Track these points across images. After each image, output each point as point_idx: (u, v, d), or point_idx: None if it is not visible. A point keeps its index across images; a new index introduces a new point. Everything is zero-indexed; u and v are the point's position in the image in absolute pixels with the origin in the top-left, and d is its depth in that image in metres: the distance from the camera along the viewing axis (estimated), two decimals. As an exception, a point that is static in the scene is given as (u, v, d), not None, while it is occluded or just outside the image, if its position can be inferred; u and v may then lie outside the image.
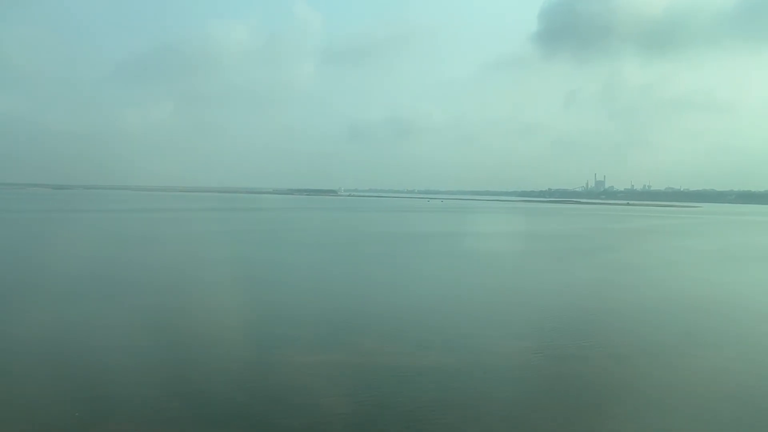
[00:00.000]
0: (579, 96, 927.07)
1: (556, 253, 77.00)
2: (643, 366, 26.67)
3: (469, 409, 20.92)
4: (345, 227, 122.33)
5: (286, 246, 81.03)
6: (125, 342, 28.60)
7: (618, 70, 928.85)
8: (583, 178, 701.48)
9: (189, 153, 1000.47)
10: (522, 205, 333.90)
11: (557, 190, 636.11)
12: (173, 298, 40.34)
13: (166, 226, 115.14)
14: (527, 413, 20.83)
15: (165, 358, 26.37)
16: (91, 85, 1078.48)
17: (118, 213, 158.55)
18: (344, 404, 21.04)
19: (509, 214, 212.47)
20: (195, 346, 28.54)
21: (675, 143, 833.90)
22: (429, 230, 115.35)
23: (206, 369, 24.59)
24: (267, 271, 54.92)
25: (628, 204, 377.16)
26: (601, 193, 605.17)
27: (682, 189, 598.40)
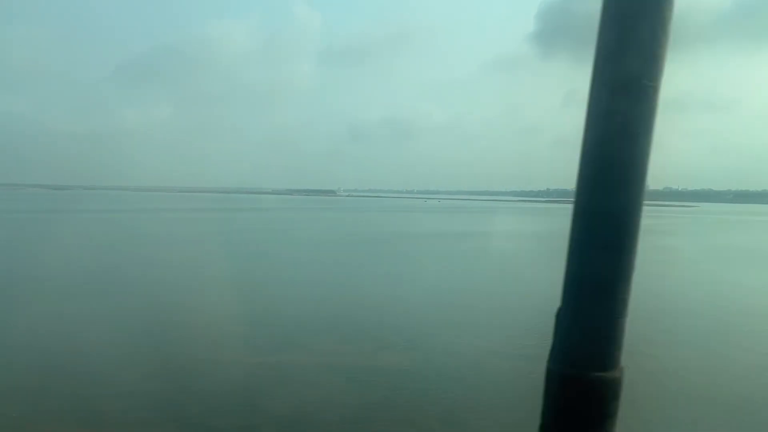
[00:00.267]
0: (578, 95, 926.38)
1: (535, 255, 76.77)
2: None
3: (409, 410, 20.67)
4: (330, 228, 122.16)
5: (263, 247, 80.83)
6: (76, 341, 28.39)
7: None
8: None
9: (189, 153, 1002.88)
10: (518, 205, 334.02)
11: (556, 189, 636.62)
12: (139, 298, 40.11)
13: (153, 226, 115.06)
14: (466, 414, 20.56)
15: (107, 357, 26.10)
16: (91, 86, 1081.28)
17: (109, 213, 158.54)
18: (281, 405, 20.79)
19: (503, 214, 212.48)
20: (144, 345, 28.26)
21: (673, 143, 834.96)
22: (416, 231, 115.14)
23: (145, 369, 24.32)
24: (238, 272, 54.65)
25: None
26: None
27: (680, 189, 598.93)
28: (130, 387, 22.40)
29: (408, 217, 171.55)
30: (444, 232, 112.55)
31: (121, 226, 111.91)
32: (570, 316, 3.90)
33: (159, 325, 32.70)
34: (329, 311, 37.41)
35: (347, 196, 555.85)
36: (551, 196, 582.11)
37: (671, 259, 72.77)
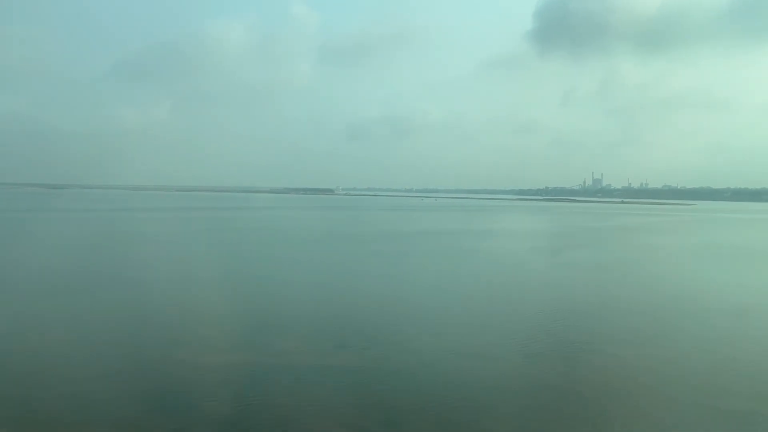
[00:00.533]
0: (576, 94, 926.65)
1: (522, 252, 76.75)
2: (553, 364, 26.39)
3: (347, 411, 20.63)
4: (315, 227, 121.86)
5: (243, 245, 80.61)
6: (31, 339, 28.34)
7: (614, 68, 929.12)
8: (580, 177, 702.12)
9: (186, 152, 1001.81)
10: (515, 204, 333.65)
11: (554, 188, 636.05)
12: (109, 297, 40.01)
13: (142, 225, 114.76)
14: (407, 414, 20.51)
15: (58, 357, 26.08)
16: (87, 84, 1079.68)
17: (102, 213, 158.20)
18: (228, 406, 20.75)
19: (498, 212, 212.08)
20: (100, 344, 28.22)
21: (672, 141, 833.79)
22: (405, 229, 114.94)
23: (94, 371, 24.27)
24: (213, 271, 54.51)
25: (622, 202, 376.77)
26: (597, 191, 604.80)
27: (678, 187, 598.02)
28: (74, 388, 22.37)
29: (398, 216, 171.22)
30: (427, 230, 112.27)
31: (111, 226, 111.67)
32: None
33: (121, 323, 32.51)
34: (296, 310, 37.33)
35: (345, 194, 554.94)
36: (549, 194, 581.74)
37: (653, 258, 72.74)
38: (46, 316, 34.17)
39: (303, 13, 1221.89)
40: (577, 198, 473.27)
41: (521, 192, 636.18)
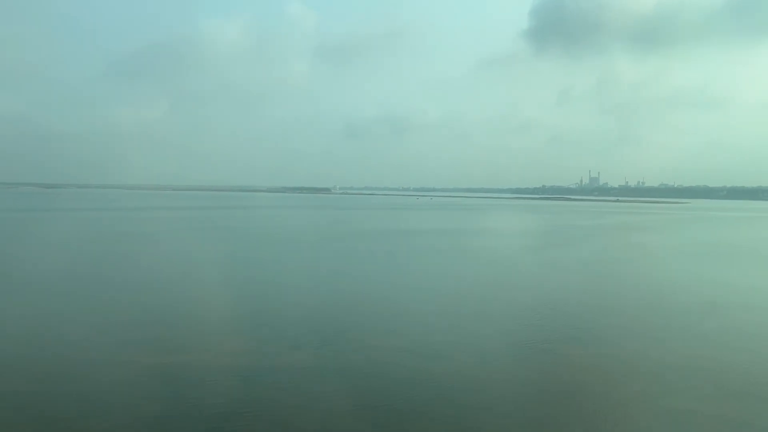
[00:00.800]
0: (572, 93, 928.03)
1: (501, 251, 76.58)
2: (502, 365, 26.17)
3: (285, 412, 20.36)
4: (300, 225, 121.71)
5: (216, 244, 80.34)
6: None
7: (610, 66, 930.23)
8: (578, 175, 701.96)
9: (183, 151, 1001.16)
10: (510, 202, 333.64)
11: (551, 187, 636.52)
12: (74, 297, 39.74)
13: (132, 225, 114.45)
14: (344, 415, 20.24)
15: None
16: (83, 84, 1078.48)
17: (94, 212, 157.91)
18: (161, 407, 20.46)
19: (490, 211, 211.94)
20: (48, 343, 27.92)
21: (669, 140, 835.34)
22: (387, 227, 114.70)
23: (34, 371, 23.98)
24: (177, 270, 54.21)
25: (617, 200, 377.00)
26: (594, 190, 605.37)
27: (675, 185, 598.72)
28: (5, 387, 22.13)
29: (386, 214, 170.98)
30: (412, 229, 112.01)
31: (102, 225, 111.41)
32: None
33: (78, 322, 32.37)
34: (260, 309, 36.98)
35: (341, 193, 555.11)
36: (546, 193, 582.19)
37: (631, 256, 72.58)
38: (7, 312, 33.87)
39: (299, 12, 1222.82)
40: (573, 197, 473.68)
41: (518, 191, 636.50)
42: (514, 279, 52.50)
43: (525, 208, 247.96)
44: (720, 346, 29.82)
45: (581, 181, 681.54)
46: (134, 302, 38.24)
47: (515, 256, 70.69)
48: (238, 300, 40.37)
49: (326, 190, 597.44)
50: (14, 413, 19.98)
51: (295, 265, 58.88)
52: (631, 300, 42.63)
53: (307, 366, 25.32)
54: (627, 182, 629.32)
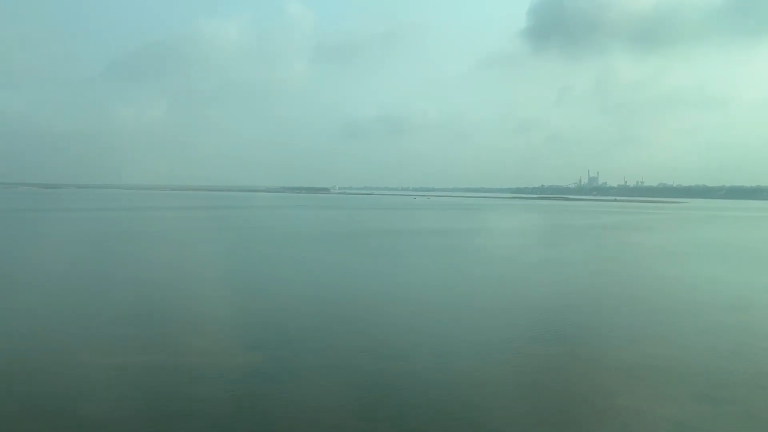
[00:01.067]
0: (571, 92, 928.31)
1: (486, 251, 76.24)
2: (463, 366, 25.76)
3: (221, 413, 19.99)
4: (289, 225, 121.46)
5: (197, 246, 79.99)
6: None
7: (609, 66, 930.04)
8: (577, 175, 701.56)
9: (182, 151, 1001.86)
10: (507, 202, 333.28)
11: (550, 186, 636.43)
12: (46, 297, 39.39)
13: (128, 224, 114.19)
14: (275, 416, 19.88)
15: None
16: (83, 83, 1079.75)
17: (86, 212, 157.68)
18: (92, 409, 20.07)
19: (485, 210, 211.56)
20: (12, 342, 27.58)
21: (668, 139, 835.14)
22: (373, 227, 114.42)
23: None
24: (145, 270, 53.86)
25: (615, 200, 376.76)
26: (592, 190, 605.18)
27: (674, 185, 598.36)
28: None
29: (381, 214, 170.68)
30: (398, 229, 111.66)
31: (95, 225, 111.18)
32: None
33: (38, 320, 32.03)
34: (229, 309, 36.62)
35: (340, 193, 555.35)
36: (545, 192, 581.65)
37: (623, 256, 72.16)
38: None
39: (298, 12, 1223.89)
40: (571, 196, 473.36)
41: (517, 190, 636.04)
42: (497, 280, 52.12)
43: (521, 207, 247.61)
44: (693, 348, 29.34)
45: (580, 180, 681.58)
46: (104, 301, 37.95)
47: (499, 256, 70.31)
48: (208, 298, 39.91)
49: (325, 190, 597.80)
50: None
51: (267, 265, 58.62)
52: (610, 300, 42.22)
53: (255, 367, 24.93)
54: (626, 182, 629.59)
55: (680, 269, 60.90)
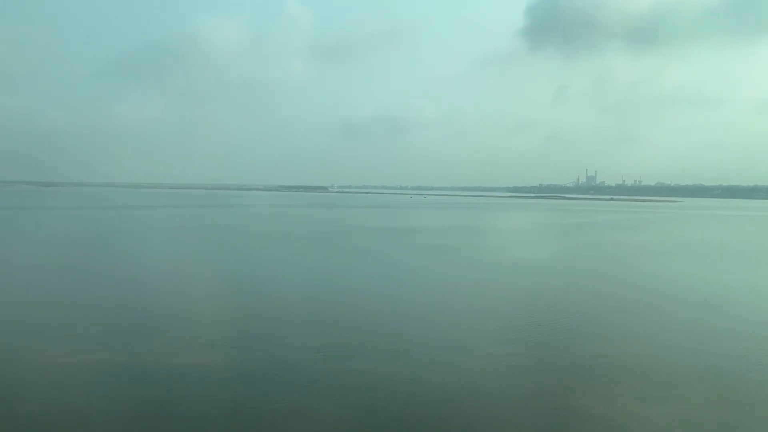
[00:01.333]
0: (569, 91, 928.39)
1: (465, 250, 76.25)
2: (413, 365, 25.85)
3: (163, 413, 20.07)
4: (280, 223, 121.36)
5: (171, 243, 80.00)
6: None
7: (606, 65, 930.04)
8: (575, 174, 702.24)
9: (180, 150, 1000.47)
10: (504, 201, 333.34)
11: (547, 185, 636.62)
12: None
13: (113, 222, 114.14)
14: (212, 416, 19.96)
15: None
16: (81, 82, 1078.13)
17: (87, 210, 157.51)
18: (21, 408, 20.16)
19: (479, 209, 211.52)
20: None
21: (666, 138, 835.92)
22: (362, 226, 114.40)
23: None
24: (123, 269, 53.89)
25: (611, 199, 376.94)
26: (590, 189, 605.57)
27: (672, 184, 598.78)
28: None
29: (371, 213, 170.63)
30: (382, 227, 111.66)
31: (86, 223, 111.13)
32: None
33: (14, 320, 32.37)
34: (194, 308, 36.60)
35: (337, 192, 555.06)
36: (543, 192, 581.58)
37: (599, 254, 72.27)
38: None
39: (296, 11, 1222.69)
40: (568, 195, 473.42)
41: (515, 189, 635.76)
42: (465, 280, 52.10)
43: (514, 206, 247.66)
44: (649, 346, 29.37)
45: (578, 180, 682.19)
46: (70, 299, 38.03)
47: (476, 256, 70.33)
48: (177, 297, 39.89)
49: (323, 189, 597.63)
50: None
51: (239, 265, 58.64)
52: (574, 298, 42.14)
53: (206, 366, 25.07)
54: (624, 181, 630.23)
55: (655, 267, 60.91)
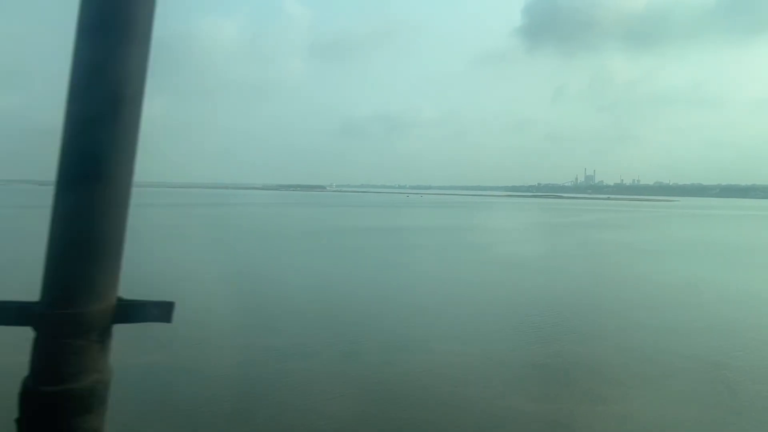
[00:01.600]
0: (567, 90, 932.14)
1: (447, 249, 76.28)
2: (366, 363, 25.82)
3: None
4: (273, 223, 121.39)
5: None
6: None
7: (604, 64, 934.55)
8: (573, 173, 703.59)
9: (179, 149, 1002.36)
10: (500, 200, 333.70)
11: (546, 185, 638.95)
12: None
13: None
14: (149, 415, 19.90)
15: None
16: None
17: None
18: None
19: (474, 208, 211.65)
20: None
21: (665, 138, 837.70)
22: (353, 225, 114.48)
23: None
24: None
25: (608, 198, 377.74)
26: (588, 188, 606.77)
27: (670, 183, 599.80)
28: None
29: (364, 212, 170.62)
30: (377, 226, 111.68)
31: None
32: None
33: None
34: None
35: (335, 191, 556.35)
36: (541, 191, 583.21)
37: (579, 253, 72.20)
38: None
39: (295, 11, 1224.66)
40: (564, 195, 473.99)
41: (513, 189, 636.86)
42: (437, 280, 52.06)
43: (509, 205, 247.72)
44: (604, 347, 29.38)
45: (576, 179, 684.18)
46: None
47: (455, 255, 70.26)
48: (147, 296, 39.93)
49: (321, 188, 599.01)
50: None
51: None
52: (539, 297, 42.04)
53: (155, 365, 25.06)
54: (622, 180, 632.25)
55: (635, 266, 60.84)
